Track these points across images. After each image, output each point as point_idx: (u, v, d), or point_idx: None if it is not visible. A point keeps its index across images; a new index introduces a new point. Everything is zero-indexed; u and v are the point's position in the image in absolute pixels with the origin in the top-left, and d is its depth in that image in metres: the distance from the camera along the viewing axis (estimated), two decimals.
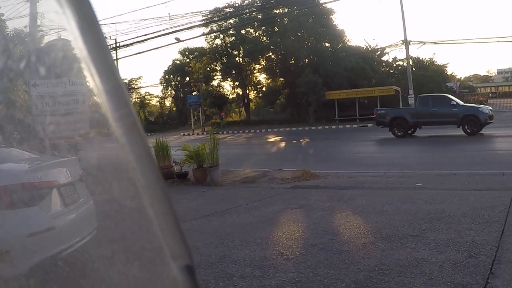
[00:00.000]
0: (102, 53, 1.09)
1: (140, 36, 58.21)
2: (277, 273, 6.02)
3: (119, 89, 1.10)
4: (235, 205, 10.78)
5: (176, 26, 41.48)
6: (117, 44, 44.21)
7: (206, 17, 54.14)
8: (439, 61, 69.38)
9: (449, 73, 74.96)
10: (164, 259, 1.12)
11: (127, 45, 44.01)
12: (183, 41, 46.73)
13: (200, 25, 52.95)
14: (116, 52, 48.30)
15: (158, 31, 47.21)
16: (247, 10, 59.16)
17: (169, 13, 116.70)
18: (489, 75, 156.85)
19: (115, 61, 55.76)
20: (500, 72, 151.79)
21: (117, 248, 6.33)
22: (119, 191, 8.46)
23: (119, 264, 5.61)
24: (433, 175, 13.87)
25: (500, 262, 5.79)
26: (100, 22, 1.12)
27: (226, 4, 59.42)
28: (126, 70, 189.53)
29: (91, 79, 1.09)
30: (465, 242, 6.66)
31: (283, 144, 33.51)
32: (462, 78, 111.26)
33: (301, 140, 33.55)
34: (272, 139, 38.06)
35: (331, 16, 59.81)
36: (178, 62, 77.72)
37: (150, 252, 5.07)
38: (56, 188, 6.00)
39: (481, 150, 20.24)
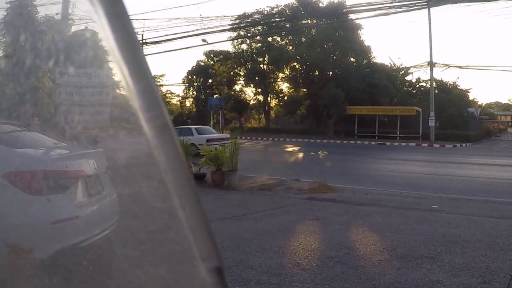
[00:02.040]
0: (134, 52, 1.12)
1: (170, 35, 58.42)
2: (293, 282, 6.08)
3: (151, 89, 1.13)
4: (252, 211, 10.88)
5: (206, 28, 41.53)
6: (144, 41, 44.42)
7: (234, 22, 54.29)
8: (462, 85, 69.24)
9: (471, 98, 74.79)
10: (193, 260, 1.15)
11: (155, 42, 44.16)
12: (210, 43, 47.04)
13: (228, 29, 52.97)
14: (142, 48, 48.52)
15: (187, 32, 47.35)
16: (276, 19, 59.21)
17: (200, 15, 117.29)
18: (511, 103, 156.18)
19: None
20: None
21: (146, 248, 6.41)
22: (142, 187, 8.58)
23: (146, 264, 5.70)
24: (449, 199, 13.85)
25: None
26: (130, 18, 1.15)
27: (255, 10, 59.45)
28: (150, 66, 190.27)
29: (123, 79, 1.11)
30: (480, 267, 6.71)
31: (301, 154, 33.44)
32: (484, 104, 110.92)
33: (319, 152, 33.48)
34: (290, 149, 38.06)
35: (359, 31, 59.46)
36: (202, 63, 78.00)
37: (180, 253, 5.15)
38: (82, 178, 6.10)
39: (498, 178, 20.14)
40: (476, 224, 9.92)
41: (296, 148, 38.63)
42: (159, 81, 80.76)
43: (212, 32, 41.94)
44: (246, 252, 7.29)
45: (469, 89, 75.81)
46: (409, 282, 6.03)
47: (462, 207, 12.47)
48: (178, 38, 41.47)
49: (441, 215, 11.06)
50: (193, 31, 44.80)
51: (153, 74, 1.22)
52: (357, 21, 58.37)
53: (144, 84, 1.12)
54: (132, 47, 1.12)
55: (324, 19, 56.22)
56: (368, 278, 6.18)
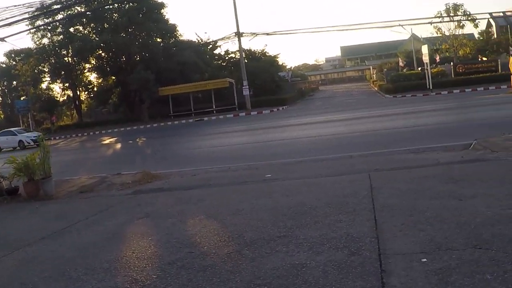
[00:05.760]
0: None
1: None
2: None
3: None
4: (74, 221, 9.13)
5: None
6: None
7: (29, 12, 51.07)
8: (271, 51, 71.60)
9: (280, 63, 77.25)
10: None
11: None
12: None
13: (21, 21, 49.65)
14: None
15: None
16: (77, 8, 56.56)
17: None
18: (318, 63, 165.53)
19: None
20: (328, 60, 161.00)
21: None
22: None
23: None
24: (279, 164, 13.61)
25: (387, 256, 5.11)
26: None
27: (53, 1, 56.31)
28: None
29: None
30: (340, 237, 5.92)
31: (118, 145, 32.30)
32: (293, 68, 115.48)
33: (137, 140, 32.63)
34: (107, 141, 36.70)
35: (162, 10, 59.67)
36: (3, 65, 73.21)
37: None
38: None
39: (322, 135, 20.24)
40: (318, 187, 9.45)
41: (113, 139, 37.45)
42: None
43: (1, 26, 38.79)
44: (72, 279, 5.74)
45: (277, 55, 78.48)
46: (269, 274, 4.96)
47: (295, 170, 12.20)
48: None
49: (277, 183, 10.53)
50: None
51: None
52: (160, 0, 58.99)
53: None
54: None
55: (125, 2, 54.85)
56: (221, 280, 4.97)
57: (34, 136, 40.22)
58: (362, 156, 13.42)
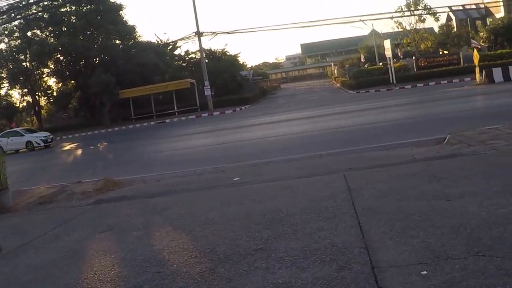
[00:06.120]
0: None
1: None
2: None
3: None
4: (32, 237, 8.28)
5: None
6: None
7: None
8: (231, 51, 71.53)
9: (241, 62, 77.00)
10: None
11: None
12: None
13: None
14: None
15: None
16: (34, 11, 55.28)
17: None
18: (278, 61, 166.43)
19: None
20: (288, 58, 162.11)
21: None
22: None
23: None
24: (247, 166, 13.10)
25: (381, 269, 4.56)
26: None
27: (9, 6, 55.08)
28: None
29: None
30: (325, 248, 5.35)
31: (79, 151, 31.36)
32: (254, 66, 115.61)
33: (98, 145, 31.72)
34: (67, 147, 35.75)
35: (121, 12, 58.99)
36: None
37: None
38: None
39: (288, 134, 19.81)
40: (290, 190, 8.87)
41: (73, 145, 36.54)
42: None
43: None
44: None
45: (238, 54, 78.07)
46: None
47: (264, 172, 11.61)
48: None
49: (247, 187, 9.96)
50: None
51: None
52: (118, 1, 58.54)
53: None
54: None
55: (83, 4, 54.04)
56: None
57: (43, 136, 39.25)
58: (332, 155, 12.98)
